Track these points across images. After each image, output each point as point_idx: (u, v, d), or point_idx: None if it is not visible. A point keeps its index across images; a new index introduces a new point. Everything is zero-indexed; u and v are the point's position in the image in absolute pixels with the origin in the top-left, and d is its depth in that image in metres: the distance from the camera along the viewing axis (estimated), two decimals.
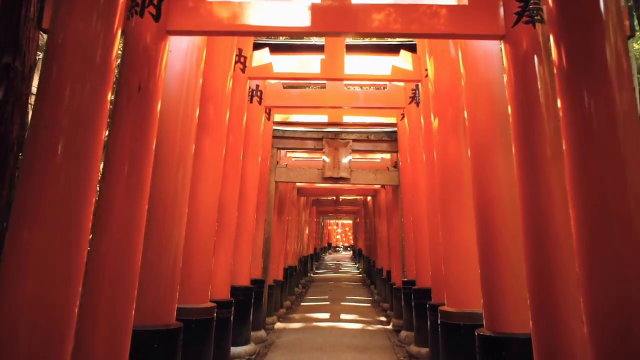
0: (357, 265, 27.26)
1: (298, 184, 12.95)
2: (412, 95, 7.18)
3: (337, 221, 42.92)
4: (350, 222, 40.98)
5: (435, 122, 5.05)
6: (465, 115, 4.01)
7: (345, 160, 9.00)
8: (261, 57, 6.54)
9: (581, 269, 1.99)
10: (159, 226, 3.51)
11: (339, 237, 48.07)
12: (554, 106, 2.78)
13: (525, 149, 3.03)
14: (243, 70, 6.10)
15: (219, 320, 4.63)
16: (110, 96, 2.47)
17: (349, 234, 45.87)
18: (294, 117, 9.04)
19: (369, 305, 12.02)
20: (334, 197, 22.04)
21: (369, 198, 17.33)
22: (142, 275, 3.03)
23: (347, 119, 8.85)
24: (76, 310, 2.18)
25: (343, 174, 8.94)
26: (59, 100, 2.21)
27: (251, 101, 7.23)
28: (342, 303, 12.05)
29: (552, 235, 2.81)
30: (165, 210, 3.58)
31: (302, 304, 12.12)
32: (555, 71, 2.23)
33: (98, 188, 2.59)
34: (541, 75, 3.01)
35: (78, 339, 2.24)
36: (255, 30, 3.79)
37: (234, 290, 6.06)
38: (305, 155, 11.38)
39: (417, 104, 7.08)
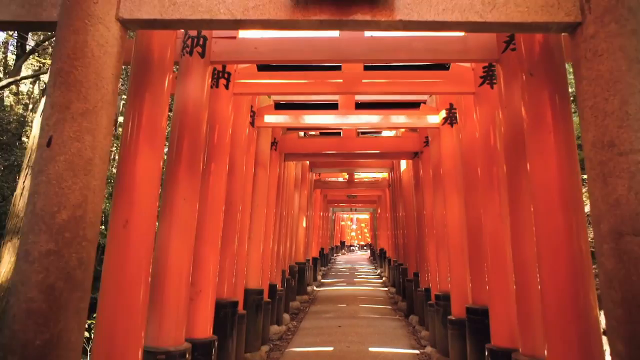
0: (378, 272, 20.52)
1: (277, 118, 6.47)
2: None
3: (351, 215, 36.63)
4: (367, 216, 34.51)
5: None
6: None
7: None
8: None
9: None
10: None
11: (353, 234, 41.81)
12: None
13: None
14: None
15: None
16: None
17: (365, 230, 39.45)
18: None
19: None
20: (346, 177, 15.91)
21: (403, 165, 10.73)
22: None
23: None
24: None
25: None
26: None
27: None
28: None
29: None
30: None
31: None
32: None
33: None
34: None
35: None
36: None
37: None
38: None
39: None
